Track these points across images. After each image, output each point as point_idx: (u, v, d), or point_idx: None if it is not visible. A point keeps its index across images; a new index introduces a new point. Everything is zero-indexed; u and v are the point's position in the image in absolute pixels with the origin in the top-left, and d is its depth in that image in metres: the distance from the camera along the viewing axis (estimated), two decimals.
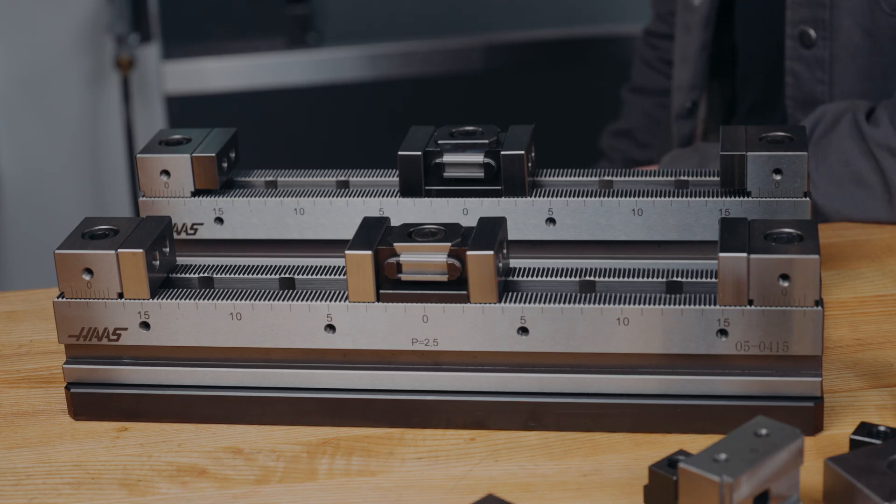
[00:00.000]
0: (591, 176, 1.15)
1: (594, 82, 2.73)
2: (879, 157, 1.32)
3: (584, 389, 1.00)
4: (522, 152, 1.12)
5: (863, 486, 0.85)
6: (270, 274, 1.04)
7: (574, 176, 1.16)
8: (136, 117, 2.60)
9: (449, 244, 0.98)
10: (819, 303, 0.95)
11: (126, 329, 1.03)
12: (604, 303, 0.98)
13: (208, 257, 1.17)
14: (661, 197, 1.12)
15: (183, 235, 1.16)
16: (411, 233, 1.00)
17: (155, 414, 1.05)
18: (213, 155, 1.14)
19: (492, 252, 0.97)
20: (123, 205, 2.65)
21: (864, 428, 0.95)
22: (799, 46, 1.50)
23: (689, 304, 0.97)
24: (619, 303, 0.98)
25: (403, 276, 0.99)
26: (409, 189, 1.14)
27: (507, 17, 2.79)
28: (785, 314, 0.95)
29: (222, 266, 1.06)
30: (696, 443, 0.98)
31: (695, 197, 1.11)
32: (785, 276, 0.95)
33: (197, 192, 1.16)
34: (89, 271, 1.02)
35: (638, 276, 1.00)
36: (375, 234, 1.01)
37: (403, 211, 1.14)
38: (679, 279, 0.99)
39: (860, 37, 1.45)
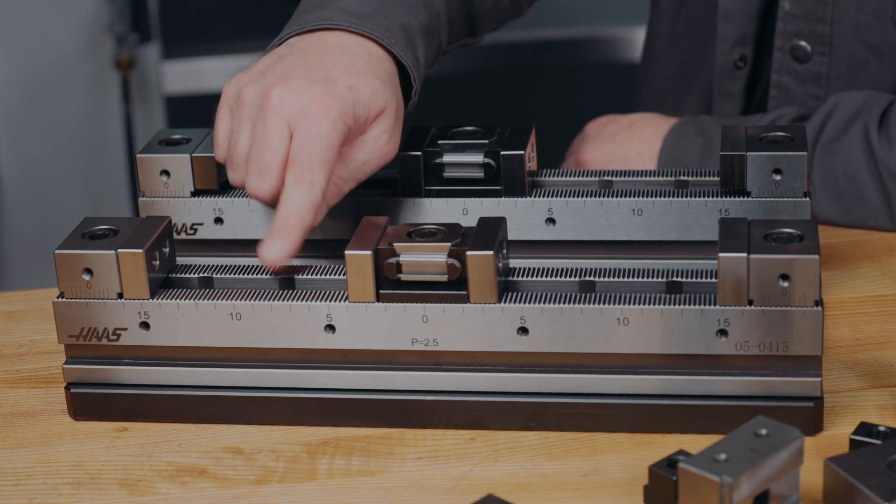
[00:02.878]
0: (591, 176, 1.15)
1: (594, 82, 2.73)
2: (888, 183, 1.28)
3: (583, 389, 1.00)
4: (522, 152, 1.12)
5: (863, 486, 0.85)
6: (270, 274, 1.04)
7: (574, 176, 1.16)
8: (136, 117, 2.60)
9: (449, 244, 0.98)
10: (819, 303, 0.95)
11: (126, 329, 1.03)
12: (604, 303, 0.98)
13: (208, 257, 1.17)
14: (660, 197, 1.12)
15: (183, 235, 1.16)
16: (411, 233, 1.00)
17: (155, 414, 1.05)
18: (213, 155, 1.14)
19: (492, 252, 0.97)
20: (123, 205, 2.64)
21: (864, 428, 0.95)
22: (790, 60, 1.44)
23: (689, 304, 0.97)
24: (619, 303, 0.98)
25: (403, 277, 0.99)
26: (409, 189, 1.14)
27: None
28: (785, 314, 0.95)
29: (222, 266, 1.06)
30: (696, 443, 0.98)
31: (695, 197, 1.11)
32: (785, 276, 0.95)
33: (197, 192, 1.16)
34: (89, 271, 1.02)
35: (638, 276, 1.00)
36: (375, 234, 1.01)
37: (403, 211, 1.14)
38: (679, 279, 0.99)
39: (863, 52, 1.40)
